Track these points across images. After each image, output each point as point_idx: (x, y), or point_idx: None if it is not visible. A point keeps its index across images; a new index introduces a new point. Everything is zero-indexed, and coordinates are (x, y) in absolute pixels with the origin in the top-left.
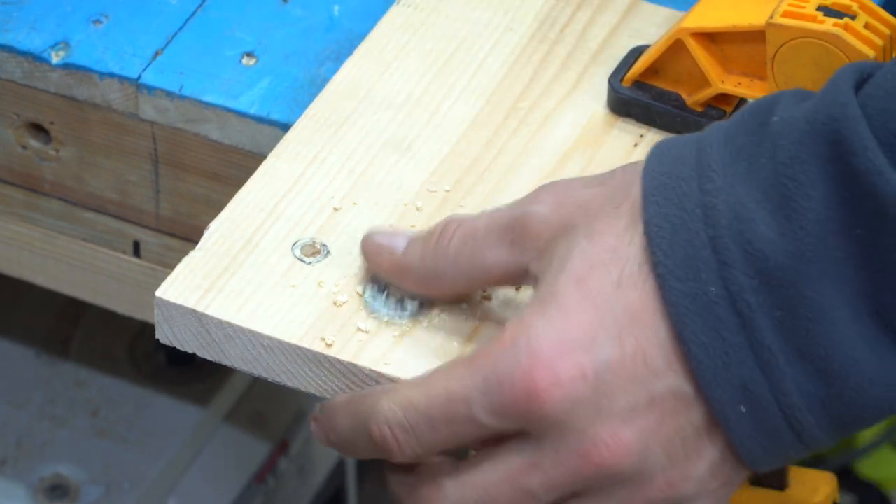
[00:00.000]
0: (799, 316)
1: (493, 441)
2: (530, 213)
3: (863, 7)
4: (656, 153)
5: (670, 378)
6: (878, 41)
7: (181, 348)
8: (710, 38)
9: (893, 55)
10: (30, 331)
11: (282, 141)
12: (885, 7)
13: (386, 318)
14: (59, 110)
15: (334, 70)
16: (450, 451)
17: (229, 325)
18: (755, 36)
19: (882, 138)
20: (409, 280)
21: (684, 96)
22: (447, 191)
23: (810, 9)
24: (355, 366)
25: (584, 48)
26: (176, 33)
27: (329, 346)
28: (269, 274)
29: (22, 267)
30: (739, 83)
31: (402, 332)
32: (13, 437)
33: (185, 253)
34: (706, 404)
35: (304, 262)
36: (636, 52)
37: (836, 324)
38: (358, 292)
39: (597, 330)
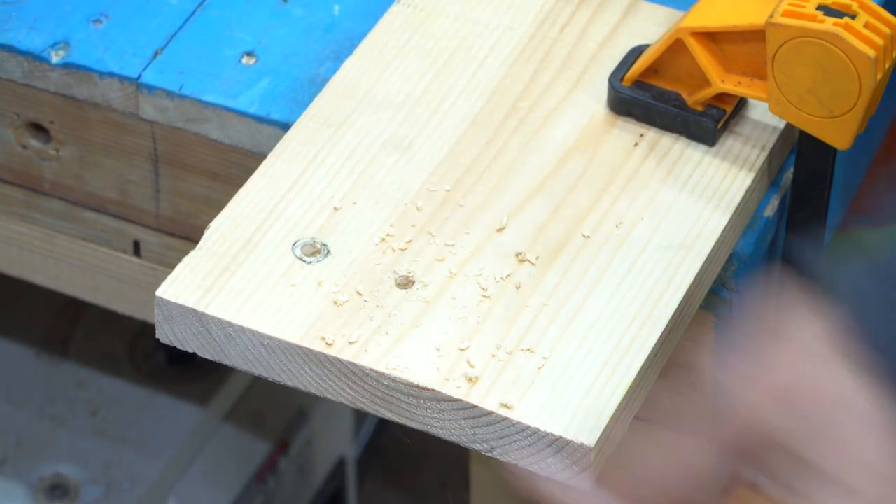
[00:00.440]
0: None
1: None
2: None
3: (863, 6)
4: None
5: None
6: (879, 41)
7: (181, 348)
8: (711, 37)
9: (894, 55)
10: (30, 330)
11: (282, 141)
12: (885, 6)
13: None
14: (59, 110)
15: (334, 70)
16: None
17: (230, 324)
18: (755, 35)
19: None
20: None
21: (684, 96)
22: (447, 190)
23: (810, 8)
24: (355, 365)
25: (584, 48)
26: (176, 33)
27: (329, 345)
28: (269, 273)
29: (22, 267)
30: (739, 82)
31: (403, 333)
32: (13, 437)
33: (186, 252)
34: None
35: (305, 261)
36: (636, 52)
37: None
38: (358, 292)
39: None
